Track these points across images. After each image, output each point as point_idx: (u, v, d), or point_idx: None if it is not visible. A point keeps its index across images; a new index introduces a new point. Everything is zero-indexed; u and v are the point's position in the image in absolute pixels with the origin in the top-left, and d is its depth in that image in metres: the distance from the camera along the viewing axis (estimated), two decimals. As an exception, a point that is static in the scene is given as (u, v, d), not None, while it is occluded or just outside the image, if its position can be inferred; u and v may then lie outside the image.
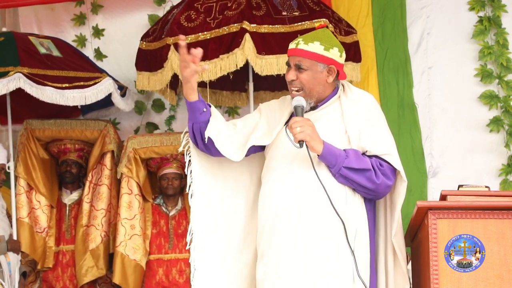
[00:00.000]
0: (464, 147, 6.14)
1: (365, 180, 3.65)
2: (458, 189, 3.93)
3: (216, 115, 3.75)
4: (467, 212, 3.67)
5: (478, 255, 3.63)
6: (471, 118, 6.16)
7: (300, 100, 3.67)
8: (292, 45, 3.74)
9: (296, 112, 3.65)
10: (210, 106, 3.75)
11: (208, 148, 3.76)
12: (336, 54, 3.74)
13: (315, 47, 3.70)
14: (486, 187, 4.00)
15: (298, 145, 3.56)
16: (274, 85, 6.25)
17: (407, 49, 6.28)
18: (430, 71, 6.27)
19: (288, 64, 3.74)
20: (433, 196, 6.01)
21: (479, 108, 6.16)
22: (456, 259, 3.64)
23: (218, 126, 3.72)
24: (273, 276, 3.61)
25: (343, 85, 3.84)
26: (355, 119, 3.73)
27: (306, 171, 3.64)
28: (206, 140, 3.69)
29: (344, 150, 3.65)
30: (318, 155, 3.61)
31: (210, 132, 3.69)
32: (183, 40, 3.59)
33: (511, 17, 6.20)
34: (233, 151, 3.73)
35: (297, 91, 3.71)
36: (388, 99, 6.24)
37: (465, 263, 3.63)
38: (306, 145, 3.58)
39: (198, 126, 3.72)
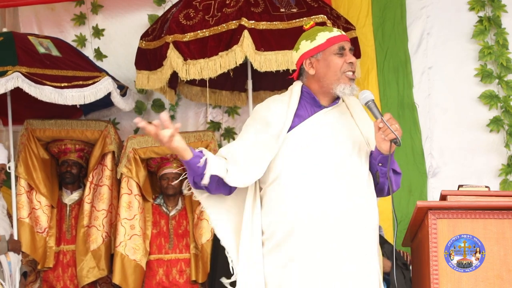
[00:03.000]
0: (464, 147, 6.14)
1: (395, 184, 3.65)
2: (458, 189, 3.93)
3: (210, 155, 3.56)
4: (467, 212, 3.67)
5: (478, 255, 3.63)
6: (471, 118, 6.16)
7: (371, 94, 3.60)
8: (338, 32, 3.66)
9: (371, 107, 3.56)
10: (203, 153, 3.55)
11: (220, 187, 3.61)
12: None
13: None
14: (486, 187, 4.01)
15: (400, 141, 3.50)
16: (274, 85, 6.25)
17: (407, 49, 6.28)
18: (430, 71, 6.27)
19: (342, 48, 3.62)
20: (433, 196, 6.01)
21: (479, 108, 6.16)
22: (456, 259, 3.64)
23: (218, 161, 3.55)
24: (306, 277, 3.52)
25: None
26: (365, 122, 3.71)
27: (341, 159, 3.58)
28: (208, 179, 3.51)
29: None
30: (382, 154, 3.55)
31: (211, 170, 3.50)
32: (138, 122, 3.41)
33: (511, 17, 6.21)
34: (248, 173, 3.58)
35: (353, 73, 3.64)
36: (388, 99, 6.25)
37: (465, 263, 3.63)
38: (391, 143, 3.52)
39: (200, 178, 3.55)
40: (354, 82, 3.64)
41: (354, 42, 5.71)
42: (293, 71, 5.40)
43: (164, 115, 3.40)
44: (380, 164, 3.60)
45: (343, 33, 3.67)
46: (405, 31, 6.29)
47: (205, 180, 3.51)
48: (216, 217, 3.71)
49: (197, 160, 3.51)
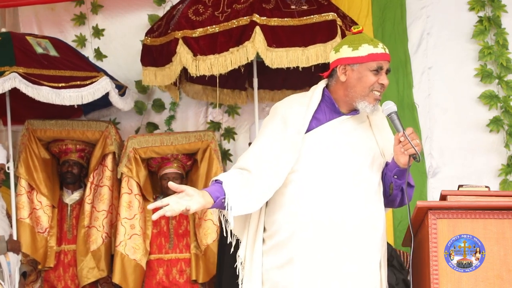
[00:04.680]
0: (464, 147, 6.15)
1: (409, 197, 3.66)
2: (458, 189, 3.93)
3: (229, 192, 3.51)
4: (467, 212, 3.68)
5: (478, 255, 3.64)
6: (471, 118, 6.16)
7: (394, 105, 3.60)
8: (382, 49, 3.62)
9: (394, 119, 3.57)
10: (222, 188, 3.51)
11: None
12: None
13: None
14: (486, 187, 4.01)
15: (419, 157, 3.52)
16: (274, 84, 6.25)
17: (407, 49, 6.28)
18: (430, 71, 6.27)
19: (380, 68, 3.60)
20: (433, 196, 6.01)
21: (479, 108, 6.16)
22: (456, 259, 3.64)
23: (238, 199, 3.52)
24: (303, 278, 3.53)
25: None
26: (383, 135, 3.72)
27: (354, 167, 3.59)
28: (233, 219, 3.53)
29: None
30: (399, 167, 3.57)
31: (234, 213, 3.50)
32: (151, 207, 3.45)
33: (511, 17, 6.21)
34: (269, 189, 3.57)
35: (380, 93, 3.62)
36: (388, 99, 6.21)
37: (465, 263, 3.64)
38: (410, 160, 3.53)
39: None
40: (378, 102, 3.64)
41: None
42: (303, 68, 5.42)
43: (172, 184, 3.43)
44: (395, 177, 3.62)
45: (387, 51, 3.63)
46: (405, 31, 6.29)
47: (231, 222, 3.51)
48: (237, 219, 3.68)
49: (220, 203, 3.51)
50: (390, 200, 3.71)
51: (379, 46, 3.61)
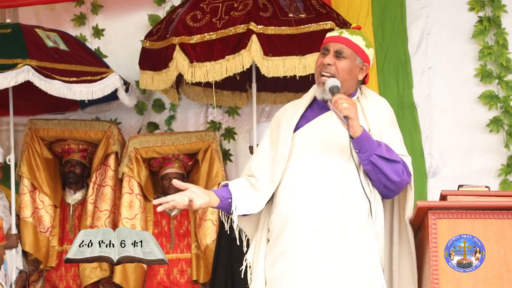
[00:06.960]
0: (464, 147, 6.15)
1: (392, 172, 3.58)
2: (458, 189, 3.94)
3: (235, 192, 3.65)
4: (467, 212, 3.69)
5: (478, 255, 3.65)
6: (471, 118, 6.16)
7: (335, 81, 3.59)
8: (334, 33, 3.69)
9: (333, 92, 3.55)
10: (229, 190, 3.63)
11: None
12: (371, 55, 3.75)
13: (358, 40, 3.68)
14: (486, 187, 4.02)
15: (345, 120, 3.47)
16: (276, 86, 6.25)
17: (407, 49, 6.28)
18: (430, 71, 6.27)
19: (326, 49, 3.66)
20: (433, 196, 6.02)
21: (479, 108, 6.16)
22: (456, 259, 3.65)
23: (243, 199, 3.64)
24: (295, 271, 3.56)
25: (360, 88, 3.81)
26: (377, 120, 3.71)
27: (337, 161, 3.62)
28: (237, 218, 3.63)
29: (376, 140, 3.60)
30: (352, 138, 3.51)
31: (239, 211, 3.61)
32: (156, 203, 3.51)
33: (511, 17, 6.21)
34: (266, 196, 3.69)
35: (328, 77, 3.62)
36: (388, 99, 6.15)
37: (465, 263, 3.65)
38: (348, 125, 3.49)
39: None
40: (324, 85, 3.64)
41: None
42: (300, 76, 5.44)
43: (176, 181, 3.51)
44: (357, 151, 3.57)
45: (343, 35, 3.67)
46: (405, 31, 6.30)
47: (235, 220, 3.60)
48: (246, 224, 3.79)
49: (226, 202, 3.61)
50: (378, 186, 3.65)
51: (335, 31, 3.72)
